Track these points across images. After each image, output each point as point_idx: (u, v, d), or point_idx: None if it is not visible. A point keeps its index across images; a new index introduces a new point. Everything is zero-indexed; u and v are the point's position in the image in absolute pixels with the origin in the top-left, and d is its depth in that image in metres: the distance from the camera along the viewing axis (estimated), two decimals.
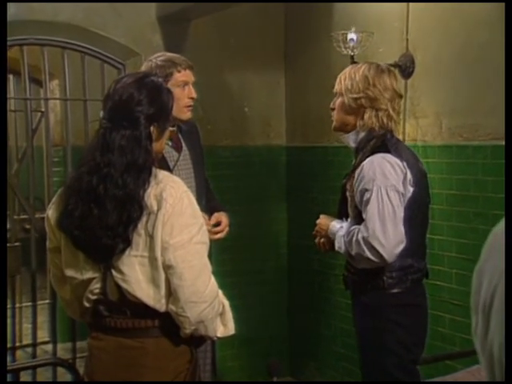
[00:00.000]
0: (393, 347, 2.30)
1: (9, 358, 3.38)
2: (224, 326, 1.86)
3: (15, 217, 3.59)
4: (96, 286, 1.80)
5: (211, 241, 2.41)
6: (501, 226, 0.77)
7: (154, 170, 1.79)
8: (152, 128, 1.80)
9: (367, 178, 2.23)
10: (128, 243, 1.72)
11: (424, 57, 3.19)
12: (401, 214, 2.23)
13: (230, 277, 3.54)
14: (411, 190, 2.28)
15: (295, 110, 4.15)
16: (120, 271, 1.75)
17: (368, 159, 2.27)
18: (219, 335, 1.87)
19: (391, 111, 2.34)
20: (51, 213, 1.84)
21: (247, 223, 3.71)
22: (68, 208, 1.76)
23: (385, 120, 2.33)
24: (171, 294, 1.75)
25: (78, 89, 3.48)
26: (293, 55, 4.14)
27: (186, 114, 2.63)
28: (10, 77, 4.32)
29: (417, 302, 2.38)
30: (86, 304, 1.84)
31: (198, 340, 1.86)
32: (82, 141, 3.45)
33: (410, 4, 3.21)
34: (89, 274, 1.79)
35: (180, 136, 2.71)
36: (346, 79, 2.38)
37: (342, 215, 2.44)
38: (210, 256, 2.61)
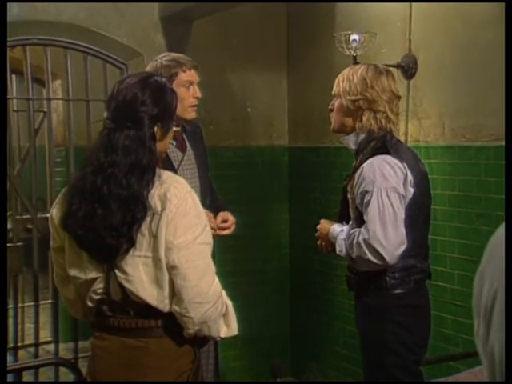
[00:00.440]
0: (395, 348, 2.30)
1: (11, 358, 3.39)
2: (227, 327, 1.86)
3: (17, 217, 3.59)
4: (99, 286, 1.80)
5: (215, 240, 2.42)
6: (502, 229, 0.77)
7: (157, 170, 1.79)
8: (156, 128, 1.80)
9: (367, 180, 2.23)
10: (132, 243, 1.72)
11: (426, 57, 3.19)
12: (401, 215, 2.23)
13: (232, 277, 3.53)
14: (412, 191, 2.28)
15: (298, 111, 4.15)
16: (123, 271, 1.75)
17: (368, 161, 2.27)
18: (222, 336, 1.87)
19: (389, 113, 2.35)
20: (55, 212, 1.84)
21: (249, 223, 3.71)
22: (72, 208, 1.76)
23: (383, 122, 2.34)
24: (174, 294, 1.75)
25: (80, 89, 3.48)
26: (295, 56, 4.14)
27: (191, 114, 2.64)
28: (13, 77, 4.32)
29: (420, 303, 2.38)
30: (90, 304, 1.84)
31: (201, 340, 1.86)
32: (85, 141, 3.46)
33: (413, 4, 3.21)
34: (92, 274, 1.79)
35: (184, 136, 2.72)
36: (344, 81, 2.38)
37: (343, 217, 2.44)
38: (213, 256, 2.62)
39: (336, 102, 2.42)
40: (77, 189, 1.78)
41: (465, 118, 3.02)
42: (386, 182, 2.21)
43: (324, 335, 3.98)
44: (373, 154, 2.28)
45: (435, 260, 3.05)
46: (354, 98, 2.34)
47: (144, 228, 1.73)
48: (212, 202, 2.75)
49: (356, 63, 3.01)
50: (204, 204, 2.55)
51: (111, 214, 1.72)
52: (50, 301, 3.75)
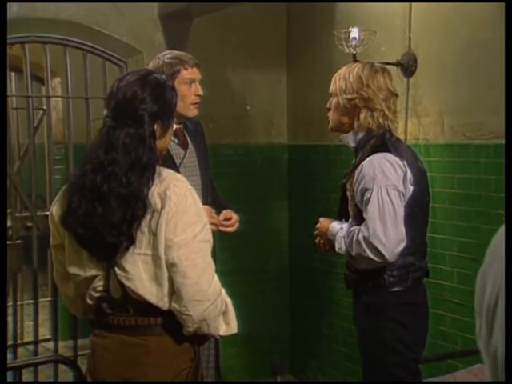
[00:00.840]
0: (394, 346, 2.30)
1: (10, 356, 3.39)
2: (227, 325, 1.86)
3: (17, 214, 3.59)
4: (99, 284, 1.80)
5: (215, 238, 2.43)
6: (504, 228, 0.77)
7: (157, 168, 1.79)
8: (156, 126, 1.79)
9: (367, 178, 2.23)
10: (132, 241, 1.72)
11: (426, 55, 3.19)
12: (401, 213, 2.23)
13: (231, 275, 3.54)
14: (411, 188, 2.28)
15: (297, 109, 4.15)
16: (123, 269, 1.75)
17: (368, 159, 2.27)
18: (222, 334, 1.87)
19: (386, 111, 2.35)
20: (55, 210, 1.84)
21: (249, 221, 3.69)
22: (72, 206, 1.76)
23: (381, 120, 2.34)
24: (174, 292, 1.75)
25: (79, 87, 3.48)
26: (295, 53, 4.13)
27: (193, 112, 2.65)
28: (12, 74, 4.32)
29: (418, 300, 2.38)
30: (89, 301, 1.84)
31: (200, 338, 1.86)
32: (84, 139, 3.45)
33: (413, 3, 3.21)
34: (92, 272, 1.79)
35: (186, 134, 2.72)
36: (341, 80, 2.39)
37: (342, 215, 2.45)
38: (214, 254, 2.62)
39: (333, 101, 2.43)
40: (76, 187, 1.78)
41: (464, 115, 3.02)
42: (386, 180, 2.21)
43: (323, 333, 3.99)
44: (372, 152, 2.28)
45: (434, 258, 3.05)
46: (350, 96, 2.35)
47: (144, 226, 1.73)
48: (213, 200, 2.76)
49: (356, 61, 3.01)
50: (205, 202, 2.56)
51: (111, 212, 1.72)
52: (49, 298, 3.75)
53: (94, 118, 3.35)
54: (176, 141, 2.66)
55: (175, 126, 2.65)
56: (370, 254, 2.19)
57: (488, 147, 2.89)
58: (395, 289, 2.31)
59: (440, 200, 3.09)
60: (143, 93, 1.78)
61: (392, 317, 2.30)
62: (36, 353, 3.51)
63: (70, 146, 3.50)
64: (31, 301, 3.63)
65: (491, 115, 2.85)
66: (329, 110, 2.46)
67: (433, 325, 2.55)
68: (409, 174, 2.27)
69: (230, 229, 2.68)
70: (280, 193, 4.20)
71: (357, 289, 2.43)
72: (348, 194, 2.37)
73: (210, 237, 1.80)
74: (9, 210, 3.45)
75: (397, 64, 3.23)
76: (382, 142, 2.31)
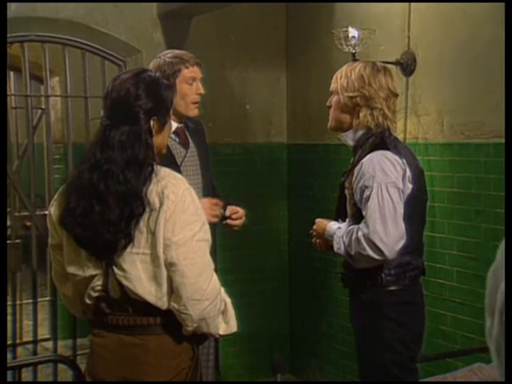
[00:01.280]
0: (391, 344, 2.30)
1: (10, 355, 3.38)
2: (226, 324, 1.86)
3: (16, 214, 3.58)
4: (98, 283, 1.79)
5: (215, 236, 2.43)
6: None
7: (156, 167, 1.79)
8: (152, 122, 1.80)
9: (367, 176, 2.23)
10: (130, 239, 1.72)
11: (425, 54, 3.19)
12: (401, 210, 2.23)
13: (231, 274, 3.54)
14: (410, 187, 2.28)
15: (296, 108, 4.15)
16: (121, 268, 1.75)
17: (367, 156, 2.27)
18: (221, 333, 1.87)
19: (386, 110, 2.35)
20: (53, 210, 1.84)
21: (248, 221, 3.70)
22: (70, 206, 1.76)
23: (380, 119, 2.35)
24: (173, 291, 1.75)
25: (78, 86, 3.47)
26: (294, 52, 4.13)
27: (194, 111, 2.65)
28: (11, 73, 4.31)
29: (414, 299, 2.39)
30: (88, 301, 1.84)
31: (199, 337, 1.86)
32: (83, 138, 3.45)
33: (412, 2, 3.20)
34: (91, 271, 1.79)
35: (187, 133, 2.72)
36: (342, 78, 2.39)
37: (339, 214, 2.44)
38: (214, 253, 2.63)
39: (333, 99, 2.43)
40: (74, 186, 1.78)
41: (464, 114, 3.01)
42: (386, 177, 2.22)
43: (323, 332, 3.98)
44: (372, 150, 2.28)
45: (434, 257, 3.05)
46: (351, 94, 2.35)
47: (142, 225, 1.73)
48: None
49: (355, 60, 3.01)
50: None
51: (109, 210, 1.71)
52: (48, 298, 3.74)
53: (92, 118, 3.34)
54: (177, 140, 2.66)
55: (176, 125, 2.66)
56: (369, 251, 2.19)
57: (488, 146, 2.89)
58: (392, 287, 2.31)
59: (440, 199, 3.09)
60: (137, 90, 1.78)
61: (389, 315, 2.31)
62: (35, 352, 3.51)
63: (69, 146, 3.49)
64: (30, 300, 3.62)
65: (491, 114, 2.85)
66: (329, 108, 2.46)
67: (432, 324, 2.55)
68: (408, 172, 2.27)
69: (237, 222, 2.70)
70: (279, 192, 4.20)
71: (354, 288, 2.43)
72: (346, 192, 2.37)
73: (208, 236, 1.80)
74: (8, 210, 3.44)
75: (396, 63, 3.23)
76: (382, 140, 2.32)
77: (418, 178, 2.34)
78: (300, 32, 4.06)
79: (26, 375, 3.19)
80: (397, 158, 2.26)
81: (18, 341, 3.70)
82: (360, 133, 2.37)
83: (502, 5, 2.61)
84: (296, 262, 4.19)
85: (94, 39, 3.51)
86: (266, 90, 4.14)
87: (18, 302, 3.85)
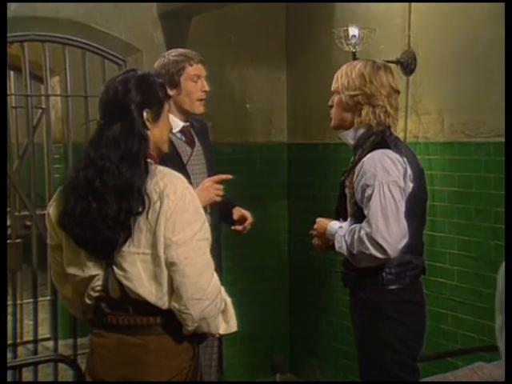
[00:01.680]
0: (391, 343, 2.30)
1: (10, 355, 3.38)
2: (226, 323, 1.86)
3: (16, 213, 3.59)
4: (97, 284, 1.79)
5: (217, 236, 2.43)
6: None
7: (155, 165, 1.79)
8: (145, 114, 1.80)
9: (368, 174, 2.23)
10: (129, 234, 1.72)
11: (426, 53, 3.19)
12: (403, 208, 2.23)
13: (230, 274, 3.54)
14: (411, 185, 2.28)
15: (297, 107, 4.14)
16: (122, 268, 1.74)
17: (369, 155, 2.27)
18: (222, 332, 1.87)
19: (388, 107, 2.35)
20: (52, 210, 1.84)
21: None
22: (68, 207, 1.76)
23: (382, 116, 2.34)
24: (173, 291, 1.75)
25: (78, 85, 3.47)
26: (294, 51, 4.13)
27: (199, 108, 2.66)
28: (11, 73, 4.31)
29: (415, 298, 2.38)
30: (88, 301, 1.84)
31: (200, 337, 1.86)
32: (83, 137, 3.44)
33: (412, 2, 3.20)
34: (90, 271, 1.78)
35: (192, 131, 2.73)
36: (343, 77, 2.39)
37: (339, 213, 2.44)
38: (219, 252, 2.63)
39: (335, 98, 2.44)
40: (71, 187, 1.78)
41: (464, 113, 3.01)
42: (387, 176, 2.21)
43: (323, 332, 3.99)
44: (373, 149, 2.28)
45: (435, 256, 3.05)
46: (352, 93, 2.35)
47: (142, 223, 1.72)
48: None
49: (355, 59, 3.01)
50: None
51: (106, 206, 1.71)
52: (48, 297, 3.74)
53: (92, 118, 3.34)
54: (183, 138, 2.67)
55: (182, 124, 2.67)
56: (372, 250, 2.19)
57: (488, 145, 2.89)
58: (393, 286, 2.31)
59: (440, 198, 3.09)
60: (126, 85, 1.79)
61: (389, 314, 2.30)
62: (36, 352, 3.51)
63: (69, 145, 3.49)
64: (31, 300, 3.62)
65: (491, 113, 2.85)
66: (331, 107, 2.46)
67: (433, 323, 2.55)
68: (409, 171, 2.27)
69: (240, 228, 2.73)
70: (279, 191, 4.20)
71: (354, 287, 2.42)
72: (347, 191, 2.37)
73: (208, 235, 1.80)
74: (8, 209, 3.44)
75: (396, 62, 3.23)
76: (382, 139, 2.31)
77: (419, 176, 2.34)
78: (300, 31, 4.06)
79: (27, 375, 3.20)
80: (398, 156, 2.26)
81: (18, 340, 3.71)
82: (361, 131, 2.37)
83: (501, 4, 2.60)
84: (296, 261, 4.19)
85: (94, 39, 3.51)
86: (266, 90, 4.14)
87: (18, 302, 3.85)
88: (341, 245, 2.32)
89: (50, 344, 3.70)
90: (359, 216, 2.29)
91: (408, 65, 3.22)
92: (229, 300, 1.87)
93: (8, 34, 2.79)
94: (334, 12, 3.72)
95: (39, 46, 3.38)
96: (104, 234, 1.72)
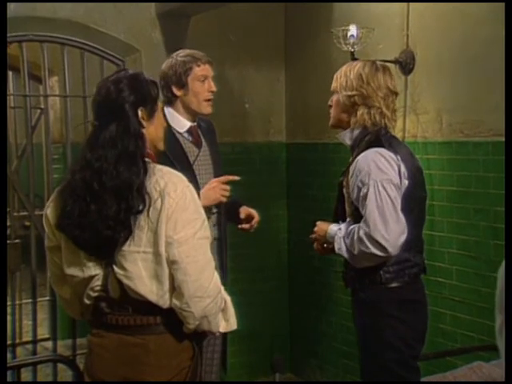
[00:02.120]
0: (392, 342, 2.30)
1: (9, 355, 3.38)
2: (226, 322, 1.87)
3: (15, 214, 3.59)
4: (97, 283, 1.79)
5: (227, 234, 2.42)
6: None
7: (153, 164, 1.79)
8: (140, 113, 1.80)
9: (363, 173, 2.24)
10: (129, 233, 1.72)
11: (424, 53, 3.19)
12: (399, 205, 2.24)
13: (230, 273, 3.53)
14: (406, 183, 2.29)
15: (295, 107, 4.14)
16: (122, 267, 1.74)
17: (362, 154, 2.28)
18: (222, 330, 1.88)
19: (384, 109, 2.36)
20: (50, 212, 1.84)
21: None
22: (66, 209, 1.76)
23: (377, 117, 2.35)
24: (174, 289, 1.75)
25: (77, 85, 3.47)
26: (293, 51, 4.13)
27: (207, 109, 2.67)
28: (10, 73, 4.31)
29: (416, 297, 2.38)
30: (87, 301, 1.84)
31: (199, 336, 1.86)
32: (82, 138, 3.41)
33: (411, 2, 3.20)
34: (90, 272, 1.78)
35: (200, 132, 2.73)
36: (342, 77, 2.41)
37: (338, 213, 2.45)
38: (226, 251, 2.64)
39: (334, 98, 2.45)
40: (69, 189, 1.78)
41: (463, 113, 3.01)
42: (381, 174, 2.22)
43: (323, 331, 3.99)
44: (367, 148, 2.29)
45: (433, 255, 3.05)
46: (349, 93, 2.37)
47: (142, 222, 1.72)
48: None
49: (354, 59, 3.01)
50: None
51: (106, 206, 1.71)
52: (47, 298, 3.74)
53: (89, 119, 3.34)
54: (190, 139, 2.68)
55: (190, 124, 2.67)
56: (372, 249, 2.19)
57: (487, 145, 2.89)
58: (392, 285, 2.31)
59: (439, 198, 3.09)
60: (118, 85, 1.80)
61: (389, 313, 2.30)
62: (35, 352, 3.51)
63: (67, 145, 3.49)
64: (30, 300, 3.62)
65: (490, 113, 2.85)
66: (330, 107, 2.47)
67: (432, 322, 2.55)
68: (403, 169, 2.28)
69: (247, 226, 2.75)
70: (278, 191, 4.20)
71: (354, 286, 2.42)
72: (344, 191, 2.38)
73: (208, 233, 1.81)
74: (7, 210, 3.44)
75: (395, 62, 3.23)
76: (377, 137, 2.33)
77: (414, 174, 2.34)
78: (299, 31, 4.06)
79: (26, 375, 3.19)
80: (391, 154, 2.27)
81: (17, 341, 3.70)
82: (357, 132, 2.38)
83: (499, 4, 2.61)
84: (295, 261, 4.19)
85: (93, 39, 3.51)
86: (265, 90, 4.14)
87: (17, 302, 3.85)
88: (340, 246, 2.33)
89: (49, 344, 3.70)
90: (357, 215, 2.29)
91: (406, 64, 3.23)
92: (228, 298, 1.88)
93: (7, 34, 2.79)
94: (333, 12, 3.72)
95: (38, 46, 3.37)
96: (104, 234, 1.72)
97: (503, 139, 2.73)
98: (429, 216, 2.65)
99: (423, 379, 2.38)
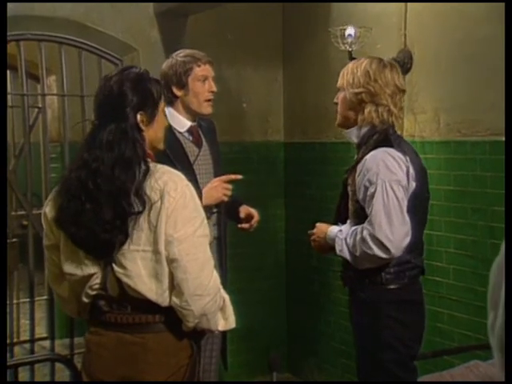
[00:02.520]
0: (390, 343, 2.29)
1: (7, 354, 3.38)
2: (225, 320, 1.87)
3: (13, 213, 3.58)
4: (96, 282, 1.79)
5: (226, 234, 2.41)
6: None
7: (152, 164, 1.79)
8: (139, 116, 1.79)
9: (371, 172, 2.21)
10: (126, 236, 1.72)
11: (422, 52, 3.19)
12: (405, 207, 2.21)
13: (228, 273, 3.53)
14: (414, 185, 2.26)
15: (293, 106, 4.15)
16: (122, 266, 1.75)
17: (371, 153, 2.24)
18: (220, 329, 1.88)
19: (392, 106, 2.32)
20: (48, 210, 1.84)
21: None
22: (63, 206, 1.76)
23: (385, 115, 2.31)
24: (173, 287, 1.75)
25: (75, 85, 3.46)
26: (291, 51, 4.13)
27: (207, 109, 2.67)
28: (7, 72, 4.30)
29: (414, 298, 2.37)
30: (85, 300, 1.84)
31: (198, 334, 1.86)
32: (80, 137, 3.41)
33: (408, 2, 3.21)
34: (89, 270, 1.78)
35: (200, 132, 2.73)
36: (348, 74, 2.36)
37: (340, 211, 2.42)
38: (225, 250, 2.64)
39: (340, 96, 2.40)
40: (65, 187, 1.78)
41: (460, 113, 3.02)
42: (390, 175, 2.19)
43: (321, 331, 3.99)
44: (375, 147, 2.25)
45: (431, 255, 3.06)
46: (356, 90, 2.32)
47: (142, 222, 1.73)
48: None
49: (352, 58, 3.01)
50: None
51: (101, 209, 1.71)
52: (45, 297, 3.74)
53: (89, 117, 3.34)
54: (190, 138, 2.68)
55: (190, 124, 2.67)
56: (376, 250, 2.17)
57: (484, 144, 2.89)
58: (392, 286, 2.30)
59: (436, 197, 3.09)
60: (121, 86, 1.78)
61: (388, 314, 2.29)
62: (32, 351, 3.51)
63: (65, 144, 3.49)
64: (27, 299, 3.62)
65: (487, 112, 2.85)
66: (336, 104, 2.43)
67: (429, 321, 2.55)
68: (411, 170, 2.25)
69: (247, 226, 2.75)
70: (276, 191, 4.20)
71: (353, 286, 2.41)
72: (349, 189, 2.34)
73: (207, 231, 1.81)
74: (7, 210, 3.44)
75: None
76: (386, 137, 2.29)
77: (421, 176, 2.32)
78: (297, 30, 4.06)
79: (23, 374, 3.20)
80: (400, 155, 2.24)
81: (15, 340, 3.71)
82: (364, 130, 2.34)
83: (497, 4, 2.61)
84: (293, 260, 4.19)
85: (91, 38, 3.51)
86: (263, 89, 4.14)
87: (15, 301, 3.85)
88: (341, 248, 2.30)
89: (47, 343, 3.70)
90: (360, 214, 2.27)
91: (404, 64, 3.22)
92: (227, 297, 1.88)
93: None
94: (331, 11, 3.72)
95: (35, 45, 3.37)
96: (101, 238, 1.72)
97: (500, 138, 2.74)
98: (428, 216, 2.65)
99: (420, 378, 2.39)
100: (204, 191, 2.54)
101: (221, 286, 1.83)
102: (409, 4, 3.21)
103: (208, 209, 2.42)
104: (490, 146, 2.85)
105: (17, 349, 3.72)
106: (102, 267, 1.78)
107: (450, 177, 3.06)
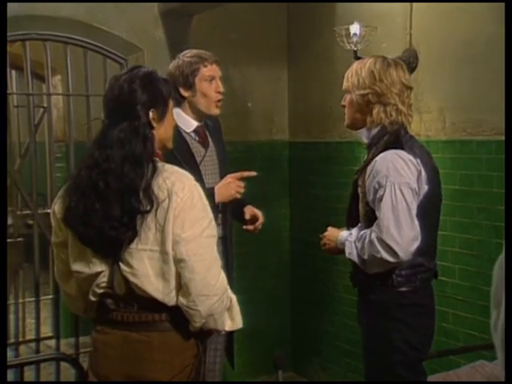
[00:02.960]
0: (399, 346, 2.24)
1: (12, 353, 3.39)
2: (232, 320, 1.87)
3: (18, 212, 3.59)
4: (103, 280, 1.79)
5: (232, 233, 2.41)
6: None
7: (161, 163, 1.79)
8: (151, 114, 1.80)
9: (380, 175, 2.17)
10: (135, 234, 1.72)
11: (427, 52, 3.18)
12: (415, 210, 2.17)
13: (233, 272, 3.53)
14: (426, 188, 2.22)
15: (298, 106, 4.14)
16: (129, 265, 1.75)
17: (381, 155, 2.20)
18: (227, 329, 1.88)
19: (400, 105, 2.29)
20: (57, 207, 1.84)
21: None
22: (71, 205, 1.76)
23: (394, 114, 2.28)
24: (180, 287, 1.75)
25: (80, 84, 3.47)
26: (296, 50, 4.13)
27: (215, 110, 2.66)
28: (13, 72, 4.32)
29: (425, 301, 2.32)
30: (92, 298, 1.84)
31: (204, 334, 1.87)
32: (85, 136, 3.44)
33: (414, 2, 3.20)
34: (97, 268, 1.79)
35: (207, 132, 2.73)
36: (353, 75, 2.33)
37: (352, 212, 2.37)
38: (231, 250, 2.64)
39: (347, 98, 2.36)
40: (74, 186, 1.78)
41: (466, 112, 3.01)
42: (399, 177, 2.15)
43: (325, 330, 3.99)
44: (385, 148, 2.21)
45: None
46: (363, 92, 2.29)
47: (150, 221, 1.73)
48: None
49: (357, 58, 3.00)
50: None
51: (110, 207, 1.72)
52: (50, 296, 3.75)
53: (94, 117, 3.35)
54: (197, 138, 2.67)
55: (197, 124, 2.67)
56: (383, 253, 2.13)
57: (490, 143, 2.88)
58: (403, 289, 2.25)
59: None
60: (131, 84, 1.79)
61: (397, 317, 2.25)
62: (38, 350, 3.51)
63: (70, 144, 3.49)
64: (33, 298, 3.63)
65: (492, 111, 2.85)
66: (343, 107, 2.40)
67: None
68: (423, 173, 2.21)
69: (251, 227, 2.74)
70: (281, 190, 4.20)
71: (363, 288, 2.37)
72: (359, 190, 2.30)
73: (215, 232, 1.81)
74: (10, 208, 3.45)
75: None
76: (396, 138, 2.25)
77: (433, 178, 2.28)
78: (301, 30, 4.06)
79: (29, 374, 3.20)
80: (411, 157, 2.19)
81: (20, 339, 3.71)
82: (375, 130, 2.30)
83: (502, 4, 2.60)
84: (298, 259, 4.19)
85: (96, 37, 3.51)
86: (268, 88, 4.14)
87: (20, 301, 3.86)
88: (350, 251, 2.27)
89: (52, 343, 3.71)
90: (371, 216, 2.23)
91: (409, 63, 3.21)
92: (234, 297, 1.88)
93: (9, 33, 2.79)
94: (336, 11, 3.72)
95: (41, 45, 3.38)
96: (109, 235, 1.72)
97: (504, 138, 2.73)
98: (440, 218, 2.64)
99: (426, 378, 2.38)
100: (216, 188, 2.53)
101: (228, 286, 1.83)
102: (414, 4, 3.21)
103: (213, 208, 2.42)
104: (496, 146, 2.84)
105: (22, 348, 3.73)
106: (110, 266, 1.78)
107: (455, 176, 3.06)
